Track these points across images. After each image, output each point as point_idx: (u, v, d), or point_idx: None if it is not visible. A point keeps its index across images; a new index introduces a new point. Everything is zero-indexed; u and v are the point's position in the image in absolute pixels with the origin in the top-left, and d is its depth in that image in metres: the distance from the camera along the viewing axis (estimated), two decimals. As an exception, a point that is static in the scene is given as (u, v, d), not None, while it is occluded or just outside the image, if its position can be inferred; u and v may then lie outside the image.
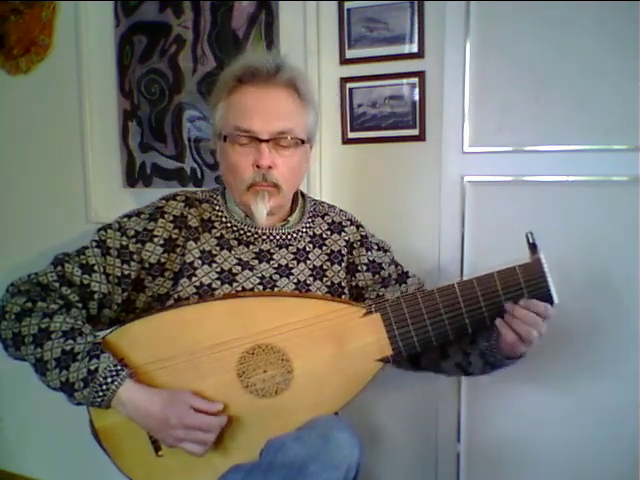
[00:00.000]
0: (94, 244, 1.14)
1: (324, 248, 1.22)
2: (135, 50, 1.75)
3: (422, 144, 1.47)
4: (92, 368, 1.01)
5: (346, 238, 1.24)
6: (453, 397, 1.49)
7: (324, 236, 1.23)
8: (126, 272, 1.13)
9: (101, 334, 1.10)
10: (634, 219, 1.28)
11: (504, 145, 1.39)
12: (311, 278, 1.18)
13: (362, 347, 1.07)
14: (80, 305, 1.11)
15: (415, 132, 1.47)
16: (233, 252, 1.16)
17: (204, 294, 1.12)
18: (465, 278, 1.06)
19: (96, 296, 1.11)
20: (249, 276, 1.14)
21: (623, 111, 1.28)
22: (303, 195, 1.28)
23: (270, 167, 1.11)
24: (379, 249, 1.26)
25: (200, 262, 1.14)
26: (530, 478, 1.45)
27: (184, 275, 1.13)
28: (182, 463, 1.07)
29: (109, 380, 1.01)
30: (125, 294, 1.14)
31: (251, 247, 1.17)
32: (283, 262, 1.17)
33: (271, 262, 1.17)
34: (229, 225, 1.18)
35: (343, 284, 1.21)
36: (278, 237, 1.18)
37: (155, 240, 1.14)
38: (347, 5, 1.49)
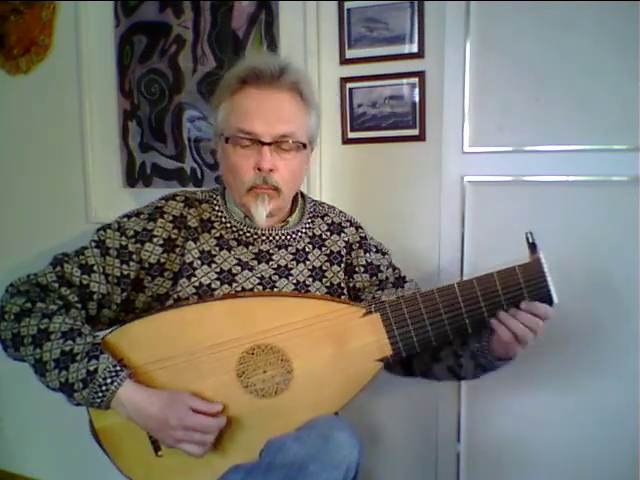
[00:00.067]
0: (93, 244, 1.14)
1: (323, 249, 1.22)
2: (135, 50, 1.75)
3: (422, 144, 1.47)
4: (91, 369, 1.01)
5: (345, 239, 1.24)
6: (453, 397, 1.49)
7: (324, 237, 1.23)
8: (125, 272, 1.13)
9: (100, 334, 1.10)
10: (634, 219, 1.28)
11: (504, 145, 1.39)
12: (310, 279, 1.18)
13: (362, 347, 1.07)
14: (79, 305, 1.11)
15: (415, 132, 1.47)
16: (233, 252, 1.16)
17: (203, 294, 1.12)
18: (465, 278, 1.06)
19: (95, 296, 1.11)
20: (249, 276, 1.14)
21: (623, 111, 1.28)
22: (303, 196, 1.27)
23: (271, 170, 1.10)
24: (377, 251, 1.26)
25: (199, 262, 1.14)
26: (530, 478, 1.45)
27: (183, 275, 1.13)
28: (182, 463, 1.06)
29: (108, 381, 1.01)
30: (124, 294, 1.14)
31: (250, 248, 1.17)
32: (282, 263, 1.17)
33: (270, 263, 1.16)
34: (228, 225, 1.18)
35: (342, 285, 1.21)
36: (277, 238, 1.18)
37: (154, 240, 1.14)
38: (347, 5, 1.49)
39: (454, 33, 1.39)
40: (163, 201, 1.19)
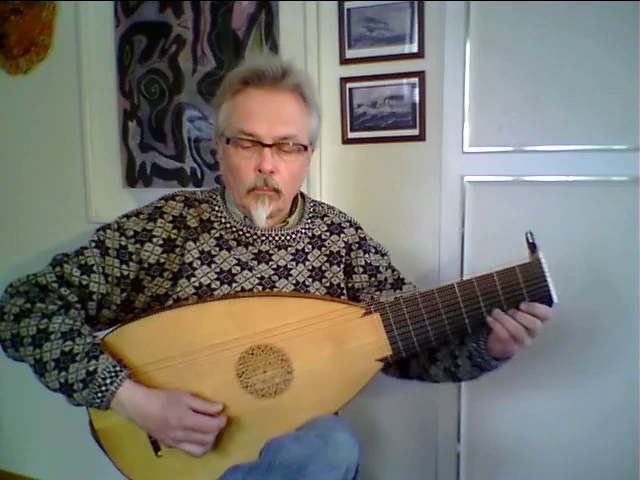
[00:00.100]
0: (93, 244, 1.14)
1: (323, 249, 1.22)
2: (135, 50, 1.75)
3: (422, 144, 1.47)
4: (91, 369, 1.01)
5: (345, 239, 1.24)
6: (453, 397, 1.49)
7: (323, 237, 1.23)
8: (125, 272, 1.13)
9: (100, 334, 1.10)
10: (634, 219, 1.28)
11: (504, 145, 1.38)
12: (310, 279, 1.18)
13: (361, 347, 1.07)
14: (79, 306, 1.11)
15: (415, 132, 1.47)
16: (232, 253, 1.16)
17: (203, 294, 1.12)
18: (465, 278, 1.06)
19: (95, 296, 1.11)
20: (248, 277, 1.14)
21: (623, 111, 1.27)
22: (303, 196, 1.27)
23: (272, 172, 1.10)
24: (377, 252, 1.26)
25: (199, 262, 1.14)
26: (530, 478, 1.45)
27: (183, 275, 1.12)
28: (182, 463, 1.07)
29: (108, 381, 1.01)
30: (124, 294, 1.14)
31: (250, 248, 1.17)
32: (282, 263, 1.17)
33: (270, 263, 1.16)
34: (228, 226, 1.18)
35: (342, 285, 1.21)
36: (277, 238, 1.18)
37: (154, 240, 1.14)
38: (347, 5, 1.49)
39: (454, 33, 1.39)
40: (163, 201, 1.19)
